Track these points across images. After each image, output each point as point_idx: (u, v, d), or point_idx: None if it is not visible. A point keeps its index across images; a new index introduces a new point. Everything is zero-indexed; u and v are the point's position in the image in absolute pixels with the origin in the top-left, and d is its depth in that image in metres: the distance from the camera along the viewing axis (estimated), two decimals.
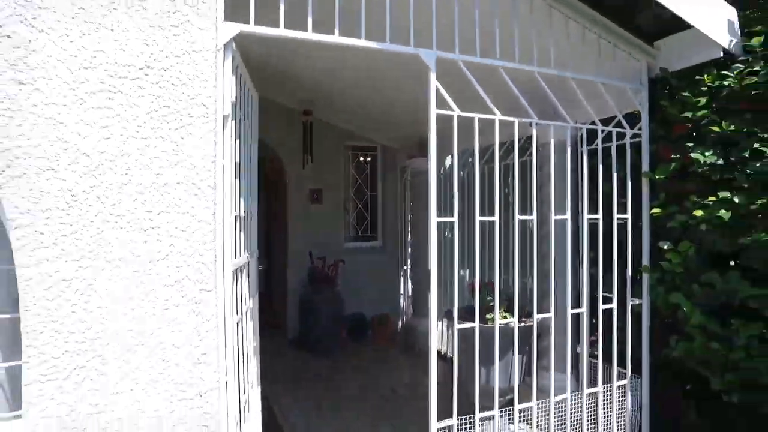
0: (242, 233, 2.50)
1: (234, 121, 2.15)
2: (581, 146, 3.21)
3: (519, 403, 2.86)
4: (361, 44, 2.39)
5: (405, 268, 6.78)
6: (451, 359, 2.71)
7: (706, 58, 2.95)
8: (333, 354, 5.78)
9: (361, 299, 6.47)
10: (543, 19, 2.89)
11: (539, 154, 3.32)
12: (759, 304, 2.62)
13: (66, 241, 1.77)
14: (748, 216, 2.64)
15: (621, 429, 3.19)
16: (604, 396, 3.16)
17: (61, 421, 1.76)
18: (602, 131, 3.14)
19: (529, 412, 2.94)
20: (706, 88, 2.93)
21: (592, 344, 3.37)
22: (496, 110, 2.71)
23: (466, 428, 2.76)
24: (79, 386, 1.79)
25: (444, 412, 2.62)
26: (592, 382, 3.23)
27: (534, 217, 2.96)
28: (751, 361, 2.69)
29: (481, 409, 2.75)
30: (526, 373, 3.49)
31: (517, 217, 2.89)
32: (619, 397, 3.21)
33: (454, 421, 2.65)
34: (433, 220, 2.59)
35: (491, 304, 3.24)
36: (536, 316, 2.94)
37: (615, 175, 3.17)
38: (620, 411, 3.21)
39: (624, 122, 3.18)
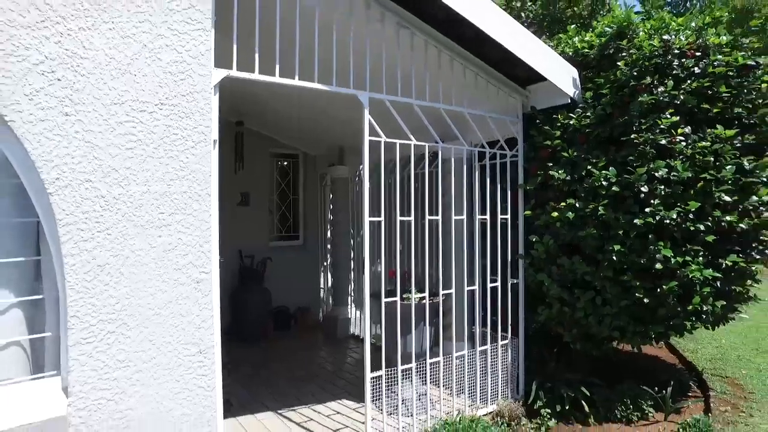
0: None
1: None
2: (475, 162, 4.21)
3: (430, 359, 3.77)
4: (315, 87, 3.14)
5: (325, 264, 7.53)
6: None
7: (559, 102, 4.09)
8: (263, 342, 6.37)
9: (286, 293, 7.10)
10: (446, 68, 3.83)
11: (443, 168, 4.27)
12: (591, 278, 3.76)
13: (100, 235, 2.32)
14: (584, 217, 3.76)
15: (504, 376, 4.23)
16: (491, 353, 4.17)
17: (97, 372, 2.30)
18: (489, 153, 4.16)
19: (437, 367, 3.86)
20: (559, 124, 4.05)
21: (484, 318, 4.38)
22: (411, 137, 3.58)
23: (391, 381, 3.60)
24: (110, 346, 2.34)
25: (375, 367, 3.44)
26: (483, 343, 4.23)
27: (439, 217, 3.87)
28: (587, 319, 3.83)
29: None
30: (434, 343, 4.42)
31: (427, 217, 3.79)
32: (502, 353, 4.25)
33: (382, 372, 3.47)
34: (367, 219, 3.39)
35: (408, 288, 4.12)
36: (442, 292, 3.86)
37: (498, 186, 4.21)
38: (503, 363, 4.24)
39: (505, 146, 4.22)
